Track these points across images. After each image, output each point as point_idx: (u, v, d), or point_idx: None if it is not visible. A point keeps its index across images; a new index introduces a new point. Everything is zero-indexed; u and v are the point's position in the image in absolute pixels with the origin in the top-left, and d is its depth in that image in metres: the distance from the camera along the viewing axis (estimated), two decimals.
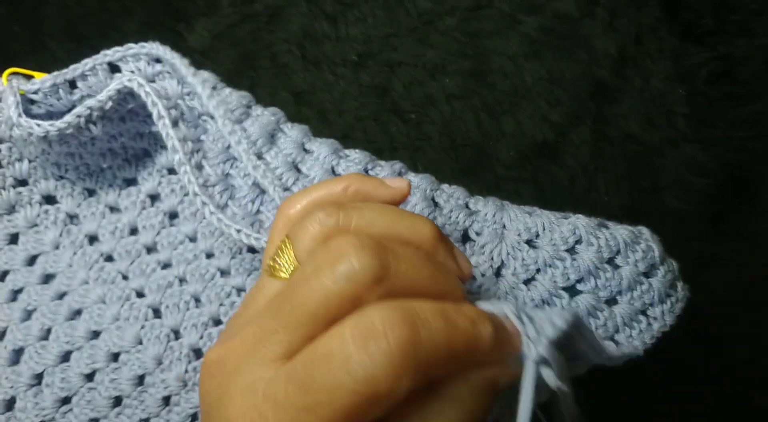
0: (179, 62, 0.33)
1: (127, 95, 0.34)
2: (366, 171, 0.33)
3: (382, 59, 0.40)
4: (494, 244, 0.31)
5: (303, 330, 0.21)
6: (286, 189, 0.32)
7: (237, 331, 0.23)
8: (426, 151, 0.36)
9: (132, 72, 0.34)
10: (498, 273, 0.31)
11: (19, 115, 0.32)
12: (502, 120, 0.39)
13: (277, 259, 0.24)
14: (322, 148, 0.33)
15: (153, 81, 0.34)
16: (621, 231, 0.30)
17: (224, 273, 0.35)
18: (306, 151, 0.34)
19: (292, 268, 0.24)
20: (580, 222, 0.30)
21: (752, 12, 0.40)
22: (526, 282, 0.30)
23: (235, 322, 0.24)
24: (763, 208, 0.39)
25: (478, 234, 0.32)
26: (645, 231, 0.30)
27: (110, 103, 0.33)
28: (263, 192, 0.33)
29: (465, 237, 0.32)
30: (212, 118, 0.34)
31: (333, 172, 0.33)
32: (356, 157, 0.33)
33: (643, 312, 0.29)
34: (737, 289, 0.38)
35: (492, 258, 0.31)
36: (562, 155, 0.38)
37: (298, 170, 0.33)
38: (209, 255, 0.35)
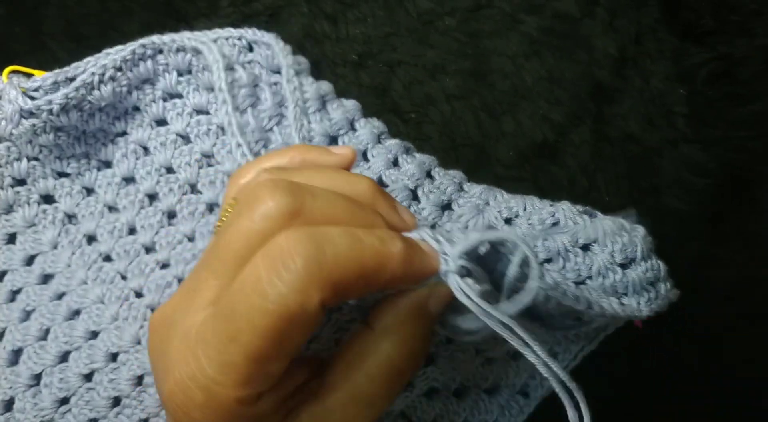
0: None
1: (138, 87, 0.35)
2: (379, 137, 0.35)
3: (382, 59, 0.40)
4: (471, 215, 0.32)
5: (230, 272, 0.22)
6: (305, 114, 0.34)
7: (177, 291, 0.24)
8: (426, 151, 0.37)
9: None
10: None
11: (27, 101, 0.32)
12: (502, 120, 0.39)
13: (223, 219, 0.25)
14: (350, 102, 0.36)
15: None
16: (605, 222, 0.30)
17: None
18: (338, 98, 0.36)
19: None
20: (563, 206, 0.30)
21: (752, 12, 0.40)
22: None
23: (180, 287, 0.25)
24: (763, 208, 0.39)
25: (459, 207, 0.33)
26: (639, 229, 0.30)
27: (125, 66, 0.34)
28: (283, 116, 0.34)
29: (446, 207, 0.33)
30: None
31: (352, 124, 0.35)
32: (377, 123, 0.36)
33: (616, 297, 0.29)
34: (737, 289, 0.38)
35: (467, 228, 0.31)
36: (562, 155, 0.38)
37: (324, 105, 0.35)
38: None
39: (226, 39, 0.35)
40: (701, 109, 0.39)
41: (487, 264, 0.24)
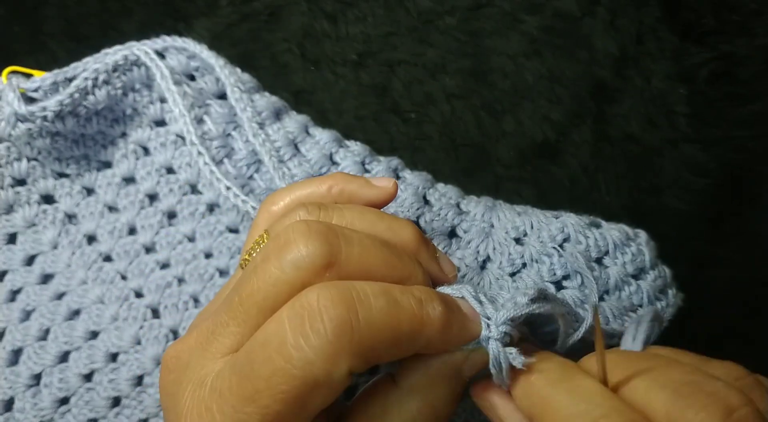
0: (193, 46, 0.34)
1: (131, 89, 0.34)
2: (363, 164, 0.33)
3: (382, 58, 0.39)
4: (480, 240, 0.31)
5: (252, 321, 0.20)
6: (282, 162, 0.32)
7: (195, 326, 0.23)
8: (426, 151, 0.36)
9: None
10: (483, 267, 0.31)
11: (23, 106, 0.32)
12: (503, 119, 0.39)
13: (253, 254, 0.24)
14: (324, 134, 0.34)
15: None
16: (612, 232, 0.30)
17: (223, 273, 0.35)
18: (308, 134, 0.34)
19: None
20: (570, 220, 0.30)
21: (752, 12, 0.40)
22: (512, 275, 0.30)
23: (199, 317, 0.24)
24: (763, 208, 0.39)
25: (465, 231, 0.32)
26: (641, 235, 0.30)
27: (116, 72, 0.33)
28: (260, 161, 0.33)
29: (452, 234, 0.32)
30: (220, 98, 0.34)
31: (331, 158, 0.33)
32: (356, 148, 0.33)
33: (633, 312, 0.29)
34: (737, 289, 0.38)
35: (478, 253, 0.31)
36: (562, 155, 0.38)
37: (297, 149, 0.33)
38: (208, 256, 0.35)
39: (175, 49, 0.34)
40: (701, 109, 0.39)
41: (532, 322, 0.23)
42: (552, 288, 0.28)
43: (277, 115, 0.34)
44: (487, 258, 0.31)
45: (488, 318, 0.21)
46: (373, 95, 0.39)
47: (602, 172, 0.38)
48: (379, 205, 0.26)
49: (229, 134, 0.34)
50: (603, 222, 0.30)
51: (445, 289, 0.23)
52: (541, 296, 0.22)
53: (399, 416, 0.21)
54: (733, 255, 0.38)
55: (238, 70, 0.35)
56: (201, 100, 0.34)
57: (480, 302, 0.22)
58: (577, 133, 0.38)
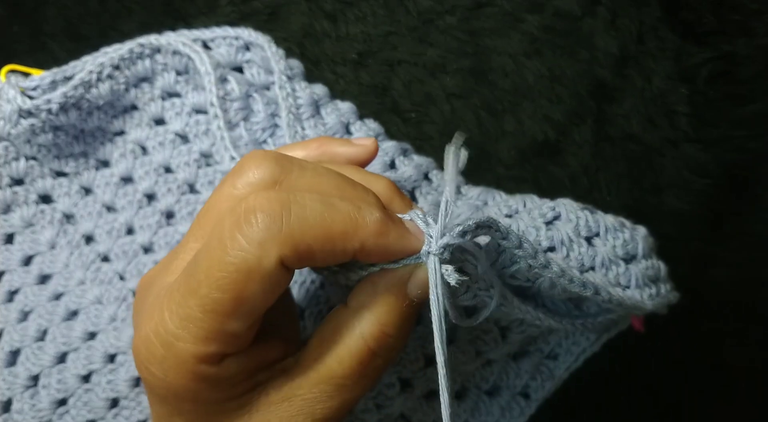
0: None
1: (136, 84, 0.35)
2: (376, 138, 0.34)
3: (382, 58, 0.39)
4: (470, 213, 0.32)
5: (208, 234, 0.22)
6: (299, 120, 0.33)
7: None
8: (426, 151, 0.36)
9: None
10: None
11: (27, 101, 0.32)
12: (503, 119, 0.39)
13: None
14: (346, 104, 0.35)
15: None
16: (607, 218, 0.30)
17: None
18: (332, 101, 0.35)
19: None
20: (563, 201, 0.30)
21: (753, 12, 0.40)
22: None
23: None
24: (763, 208, 0.39)
25: (458, 208, 0.33)
26: (640, 229, 0.30)
27: (123, 64, 0.34)
28: (277, 126, 0.34)
29: None
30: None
31: (347, 128, 0.35)
32: (373, 126, 0.35)
33: (621, 288, 0.29)
34: (737, 289, 0.38)
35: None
36: (563, 154, 0.38)
37: (318, 110, 0.35)
38: None
39: (224, 38, 0.35)
40: (702, 109, 0.39)
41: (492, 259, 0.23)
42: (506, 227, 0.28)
43: (311, 74, 0.36)
44: None
45: (431, 237, 0.22)
46: (373, 95, 0.39)
47: (603, 172, 0.38)
48: (362, 162, 0.28)
49: (251, 96, 0.34)
50: (599, 212, 0.30)
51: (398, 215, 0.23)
52: (491, 226, 0.22)
53: (348, 334, 0.23)
54: (733, 255, 0.38)
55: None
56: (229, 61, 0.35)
57: (426, 223, 0.22)
58: (578, 132, 0.38)
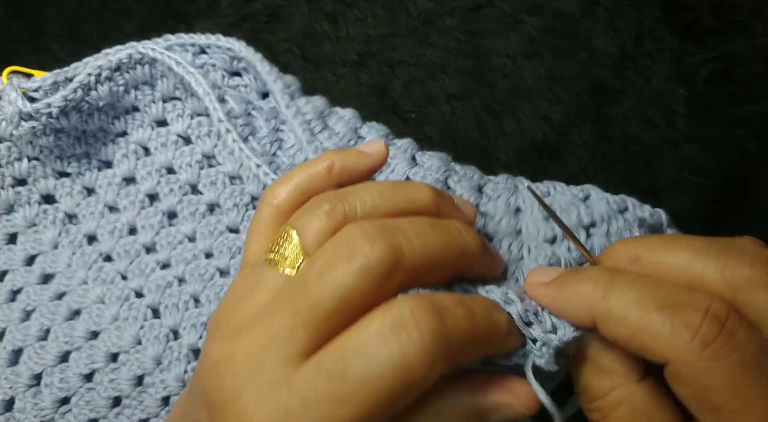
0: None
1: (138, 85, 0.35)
2: (386, 138, 0.35)
3: (382, 59, 0.40)
4: (510, 194, 0.33)
5: (324, 326, 0.21)
6: (313, 135, 0.33)
7: (242, 328, 0.22)
8: (426, 151, 0.37)
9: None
10: (517, 211, 0.33)
11: (27, 104, 0.32)
12: (503, 119, 0.39)
13: (280, 251, 0.24)
14: (346, 111, 0.35)
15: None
16: (642, 205, 0.33)
17: (223, 273, 0.35)
18: (333, 111, 0.36)
19: (298, 262, 0.23)
20: (590, 186, 0.33)
21: (752, 12, 0.40)
22: (546, 219, 0.32)
23: (232, 317, 0.23)
24: (763, 208, 0.39)
25: (492, 190, 0.33)
26: (659, 210, 0.33)
27: (120, 68, 0.34)
28: (281, 139, 0.34)
29: (480, 190, 0.34)
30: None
31: (356, 132, 0.35)
32: (378, 126, 0.35)
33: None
34: None
35: (509, 204, 0.32)
36: (562, 155, 0.38)
37: (325, 122, 0.35)
38: (208, 255, 0.35)
39: (218, 47, 0.35)
40: (701, 109, 0.39)
41: None
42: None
43: (306, 79, 0.37)
44: (518, 210, 0.32)
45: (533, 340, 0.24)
46: (373, 95, 0.39)
47: (602, 172, 0.38)
48: (377, 170, 0.28)
49: (249, 113, 0.34)
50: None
51: (494, 295, 0.24)
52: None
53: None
54: None
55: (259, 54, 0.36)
56: (222, 80, 0.35)
57: (525, 323, 0.24)
58: (577, 133, 0.38)
